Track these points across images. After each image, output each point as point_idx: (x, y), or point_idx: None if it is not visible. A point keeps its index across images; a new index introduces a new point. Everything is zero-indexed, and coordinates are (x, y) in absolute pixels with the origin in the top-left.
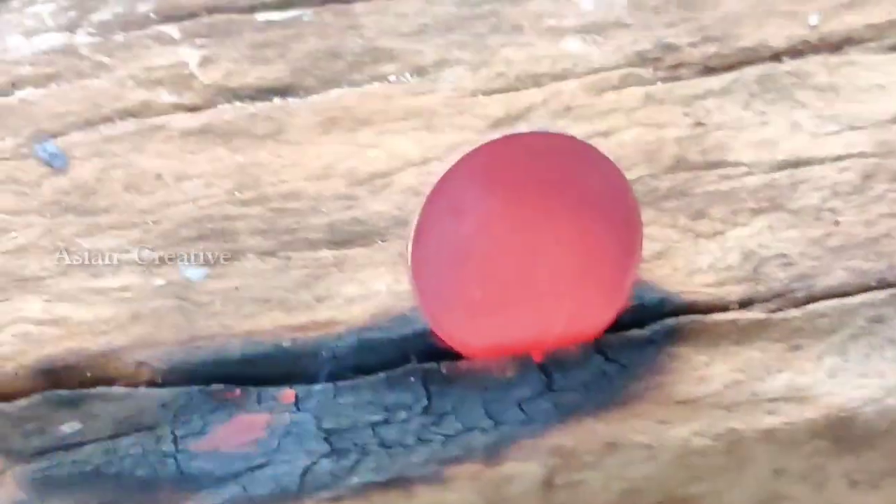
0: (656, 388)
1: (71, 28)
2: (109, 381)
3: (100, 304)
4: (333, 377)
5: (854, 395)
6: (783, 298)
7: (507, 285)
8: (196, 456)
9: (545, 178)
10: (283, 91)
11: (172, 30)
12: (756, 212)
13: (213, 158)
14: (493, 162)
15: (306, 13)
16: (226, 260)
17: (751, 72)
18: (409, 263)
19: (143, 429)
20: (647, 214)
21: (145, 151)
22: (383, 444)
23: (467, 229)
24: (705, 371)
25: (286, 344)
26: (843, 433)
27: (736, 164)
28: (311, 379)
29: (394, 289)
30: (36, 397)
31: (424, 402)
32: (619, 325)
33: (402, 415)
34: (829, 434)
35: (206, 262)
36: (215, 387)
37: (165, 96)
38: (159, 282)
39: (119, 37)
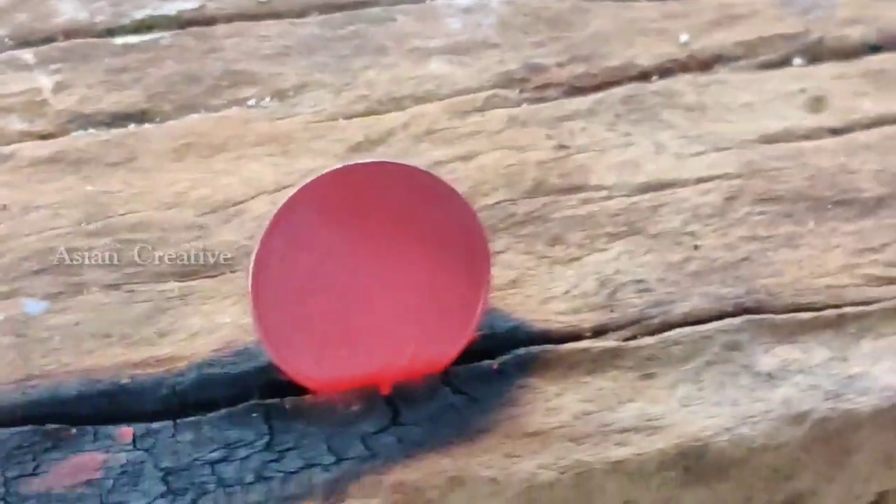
0: (506, 420)
1: None
2: None
3: None
4: (173, 415)
5: (707, 423)
6: (638, 325)
7: (352, 317)
8: (27, 498)
9: (388, 209)
10: (139, 117)
11: (27, 55)
12: (614, 236)
13: (62, 188)
14: (333, 192)
15: (165, 36)
16: (68, 294)
17: (617, 92)
18: (250, 298)
19: None
20: (503, 241)
21: None
22: (222, 483)
23: (309, 262)
24: (556, 402)
25: (125, 381)
26: (695, 463)
27: (597, 188)
28: (149, 417)
29: (239, 322)
30: None
31: (266, 438)
32: (469, 356)
33: (243, 452)
34: (680, 464)
35: (47, 297)
36: (49, 426)
37: (16, 123)
38: None
39: None
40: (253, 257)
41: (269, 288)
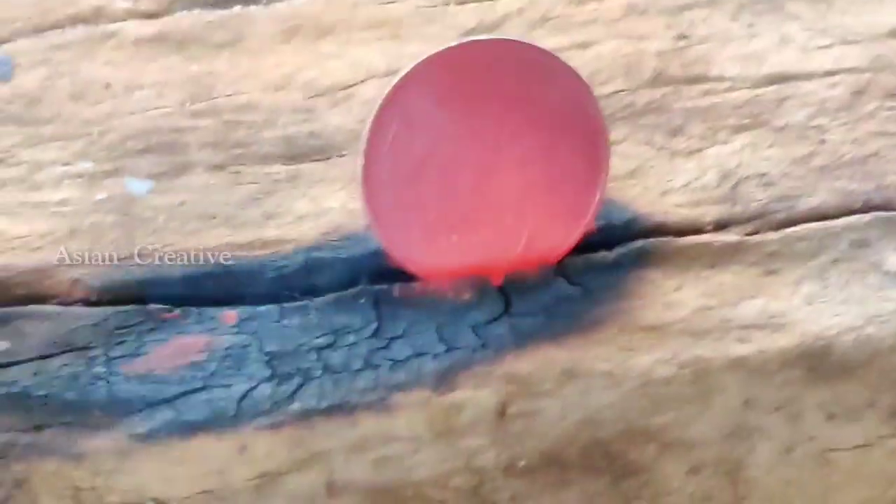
0: (621, 313)
1: None
2: (42, 299)
3: (37, 219)
4: (279, 298)
5: (832, 323)
6: (761, 220)
7: (464, 204)
8: (129, 378)
9: (504, 90)
10: None
11: None
12: (737, 129)
13: (165, 68)
14: (446, 71)
15: None
16: (173, 174)
17: None
18: (361, 180)
19: (75, 349)
20: (621, 130)
21: (95, 59)
22: (328, 369)
23: (421, 145)
24: (674, 296)
25: (230, 263)
26: (819, 363)
27: (719, 79)
28: (255, 300)
29: (347, 206)
30: None
31: (374, 325)
32: (584, 247)
33: (350, 339)
34: (803, 363)
35: (151, 176)
36: (152, 306)
37: (120, 2)
38: (101, 196)
39: None
40: (363, 139)
41: (378, 171)
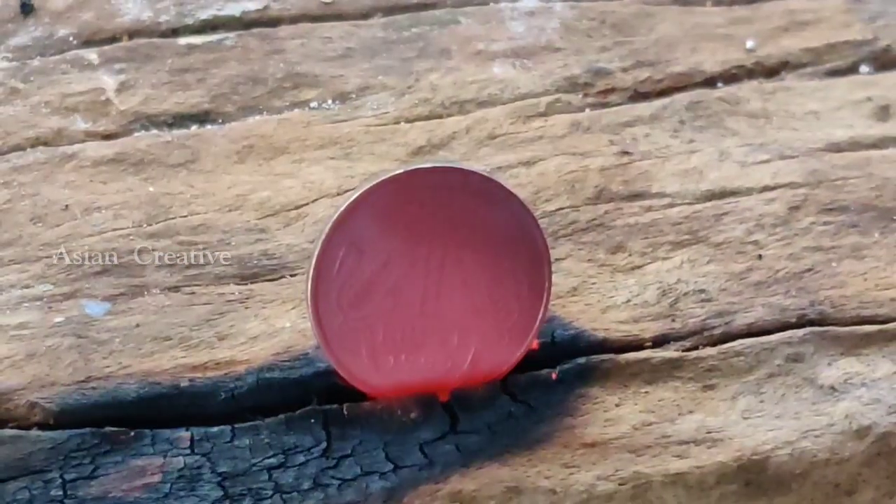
0: (564, 430)
1: None
2: (0, 423)
3: None
4: (231, 419)
5: (767, 437)
6: (699, 336)
7: (411, 324)
8: (84, 501)
9: (449, 214)
10: (202, 118)
11: (91, 55)
12: (677, 245)
13: (124, 188)
14: (393, 197)
15: (230, 37)
16: (129, 295)
17: (682, 98)
18: (310, 302)
19: (32, 472)
20: (564, 248)
21: (55, 181)
22: (279, 489)
23: (368, 267)
24: (615, 412)
25: (184, 384)
26: (756, 477)
27: (660, 195)
28: (208, 421)
29: (298, 326)
30: None
31: (324, 444)
32: (528, 364)
33: (300, 458)
34: (740, 478)
35: (108, 298)
36: (108, 429)
37: (80, 123)
38: (59, 318)
39: (36, 62)
40: (312, 262)
41: (328, 293)
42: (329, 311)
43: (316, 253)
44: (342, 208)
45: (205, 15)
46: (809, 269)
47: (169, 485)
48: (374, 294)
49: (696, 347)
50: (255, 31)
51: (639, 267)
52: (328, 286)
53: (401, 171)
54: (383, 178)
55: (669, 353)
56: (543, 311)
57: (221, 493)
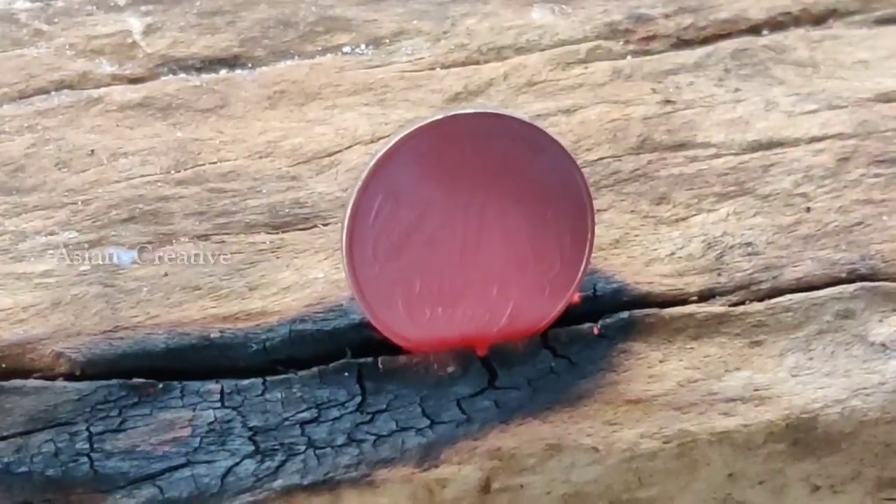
0: (606, 386)
1: None
2: (25, 374)
3: (20, 291)
4: (263, 371)
5: (817, 395)
6: (746, 291)
7: (449, 276)
8: (112, 455)
9: (489, 162)
10: (231, 62)
11: None
12: (722, 197)
13: (151, 134)
14: (432, 145)
15: None
16: (157, 244)
17: (726, 46)
18: (345, 253)
19: (58, 425)
20: (606, 198)
21: (80, 126)
22: (312, 445)
23: (406, 217)
24: (659, 369)
25: (214, 335)
26: (804, 436)
27: (704, 145)
28: (238, 373)
29: (332, 277)
30: None
31: (358, 399)
32: (569, 318)
33: (334, 413)
34: (788, 437)
35: (136, 246)
36: (136, 381)
37: (106, 67)
38: (84, 267)
39: (60, 2)
40: (347, 211)
41: (363, 243)
42: (364, 262)
43: (351, 201)
44: (379, 155)
45: None
46: (860, 223)
47: (199, 439)
48: (411, 244)
49: (742, 302)
50: None
51: (683, 219)
52: (363, 235)
53: (440, 116)
54: (421, 123)
55: (715, 307)
56: (586, 264)
57: (252, 447)
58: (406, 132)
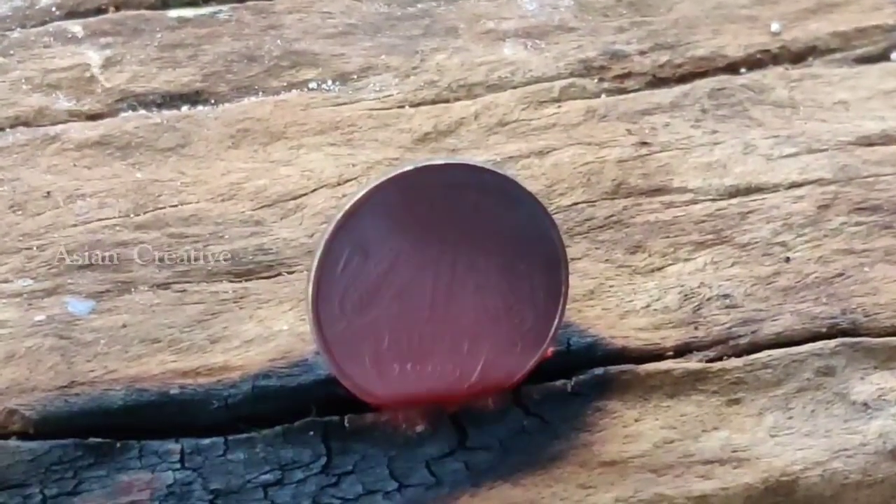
0: (580, 447)
1: None
2: None
3: None
4: (224, 430)
5: (797, 457)
6: (724, 346)
7: (419, 331)
8: None
9: (460, 214)
10: (193, 98)
11: (76, 27)
12: (699, 245)
13: (109, 174)
14: (401, 197)
15: (223, 10)
16: (115, 293)
17: (703, 84)
18: (311, 306)
19: (10, 487)
20: (580, 246)
21: (36, 165)
22: None
23: (374, 270)
24: (635, 428)
25: (174, 391)
26: (784, 499)
27: (681, 190)
28: (199, 431)
29: (297, 329)
30: None
31: (324, 459)
32: (542, 374)
33: (298, 475)
34: (767, 500)
35: (92, 296)
36: (92, 440)
37: (63, 102)
38: (39, 317)
39: (16, 33)
40: (314, 263)
41: (330, 297)
42: (331, 316)
43: (318, 256)
44: (346, 207)
45: None
46: (840, 274)
47: (157, 503)
48: (379, 298)
49: (720, 358)
50: (250, 3)
51: (659, 269)
52: (330, 290)
53: (410, 167)
54: (391, 174)
55: (692, 364)
56: (559, 318)
57: None
58: (375, 183)
